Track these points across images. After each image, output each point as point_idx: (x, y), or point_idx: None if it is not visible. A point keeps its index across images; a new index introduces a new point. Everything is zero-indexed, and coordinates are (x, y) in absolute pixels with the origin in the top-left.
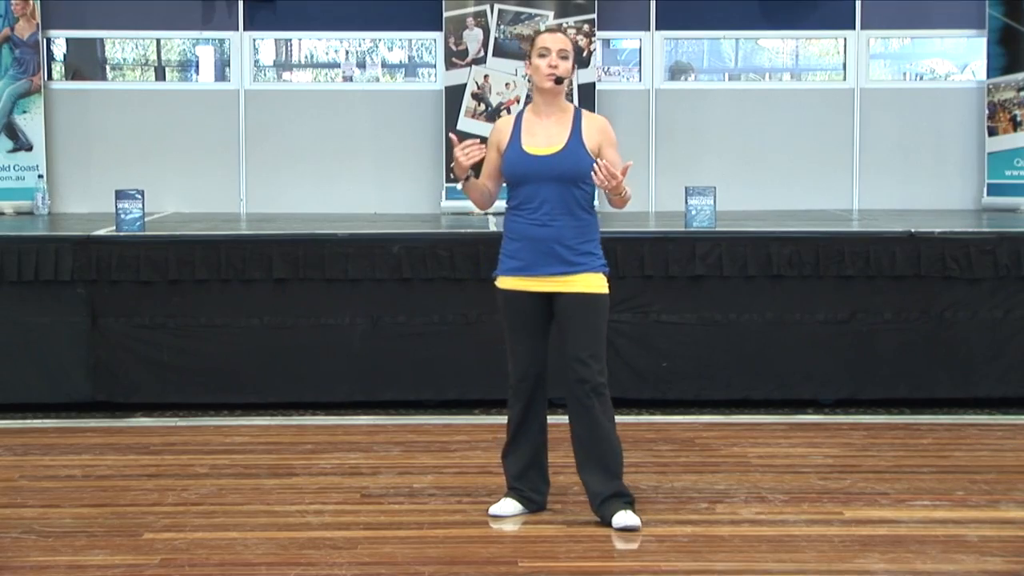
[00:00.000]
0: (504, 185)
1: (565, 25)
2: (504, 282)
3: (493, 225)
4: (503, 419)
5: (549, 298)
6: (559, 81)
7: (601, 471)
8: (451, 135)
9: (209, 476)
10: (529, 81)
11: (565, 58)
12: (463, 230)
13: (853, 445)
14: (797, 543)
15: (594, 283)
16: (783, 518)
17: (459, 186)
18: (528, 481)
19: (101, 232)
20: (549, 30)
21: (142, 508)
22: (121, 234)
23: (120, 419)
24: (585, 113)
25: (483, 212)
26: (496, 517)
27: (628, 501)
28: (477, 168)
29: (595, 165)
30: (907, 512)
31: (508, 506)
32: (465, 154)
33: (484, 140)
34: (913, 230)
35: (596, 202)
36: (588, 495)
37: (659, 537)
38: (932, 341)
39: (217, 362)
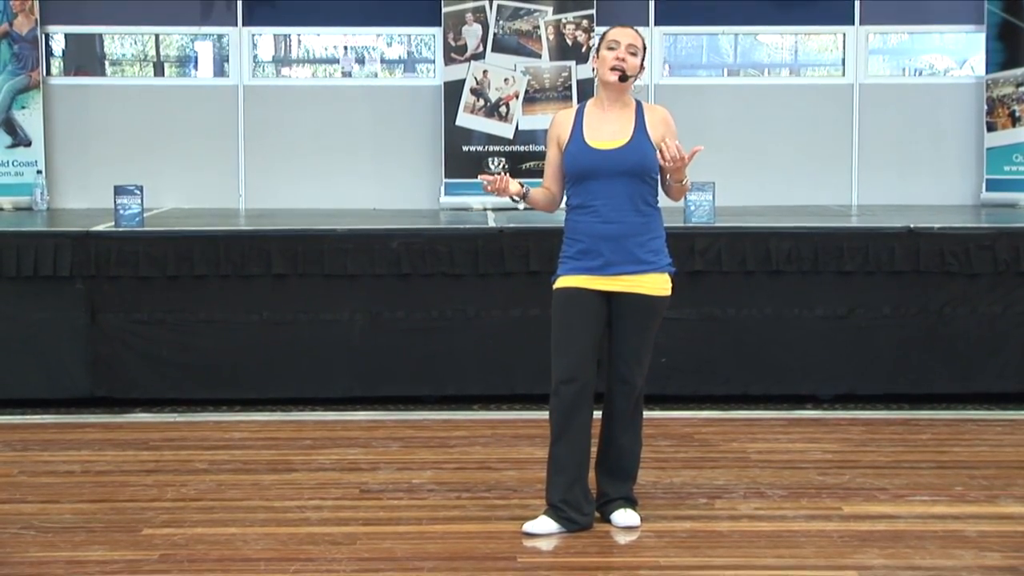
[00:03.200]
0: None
1: (564, 20)
2: (567, 280)
3: (492, 221)
4: (502, 415)
5: (609, 299)
6: (624, 78)
7: (615, 474)
8: (481, 177)
9: (208, 472)
10: (595, 72)
11: (634, 54)
12: (462, 226)
13: (852, 440)
14: (796, 538)
15: (659, 285)
16: (782, 513)
17: (521, 206)
18: (571, 499)
19: (100, 228)
20: (621, 25)
21: (141, 504)
22: (120, 229)
23: (119, 415)
24: (646, 105)
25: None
26: (530, 535)
27: (632, 504)
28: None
29: (662, 144)
30: (906, 507)
31: (545, 524)
32: (499, 189)
33: (491, 169)
34: (912, 226)
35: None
36: (596, 492)
37: (658, 532)
38: (931, 337)
39: (216, 358)
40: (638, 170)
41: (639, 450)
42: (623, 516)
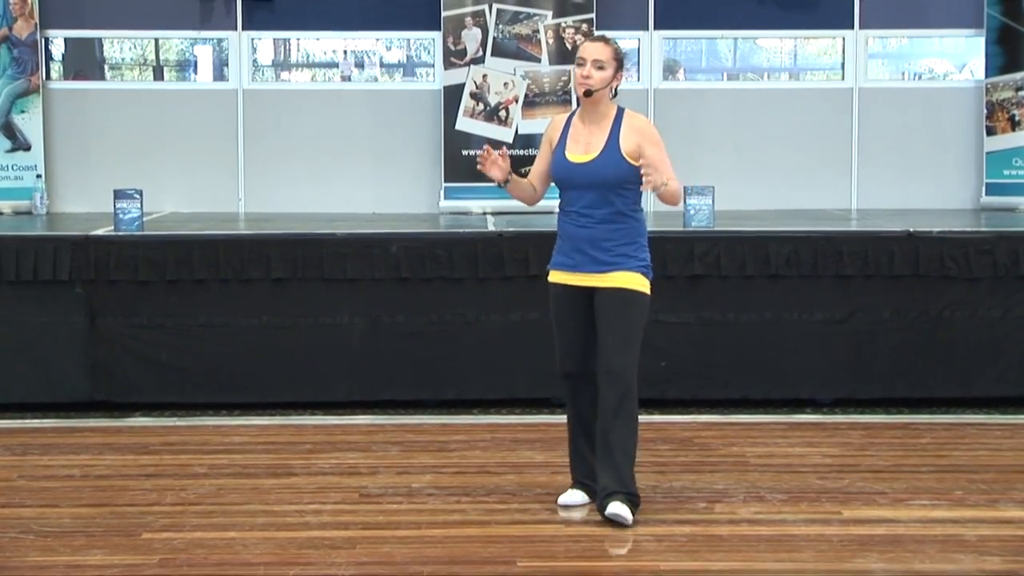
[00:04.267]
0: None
1: (564, 25)
2: (553, 275)
3: (491, 225)
4: (502, 419)
5: (591, 295)
6: (588, 93)
7: (611, 468)
8: (485, 148)
9: (208, 476)
10: None
11: (601, 68)
12: (461, 230)
13: (851, 445)
14: (796, 542)
15: (631, 281)
16: (781, 517)
17: (503, 186)
18: (585, 472)
19: (99, 232)
20: (592, 39)
21: (140, 508)
22: (119, 234)
23: (119, 419)
24: (627, 114)
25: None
26: (565, 507)
27: (629, 498)
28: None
29: (644, 168)
30: (905, 511)
31: (575, 496)
32: (488, 168)
33: (499, 144)
34: (911, 229)
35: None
36: (597, 486)
37: (657, 536)
38: (930, 341)
39: (216, 362)
40: (607, 182)
41: (631, 447)
42: (613, 508)
